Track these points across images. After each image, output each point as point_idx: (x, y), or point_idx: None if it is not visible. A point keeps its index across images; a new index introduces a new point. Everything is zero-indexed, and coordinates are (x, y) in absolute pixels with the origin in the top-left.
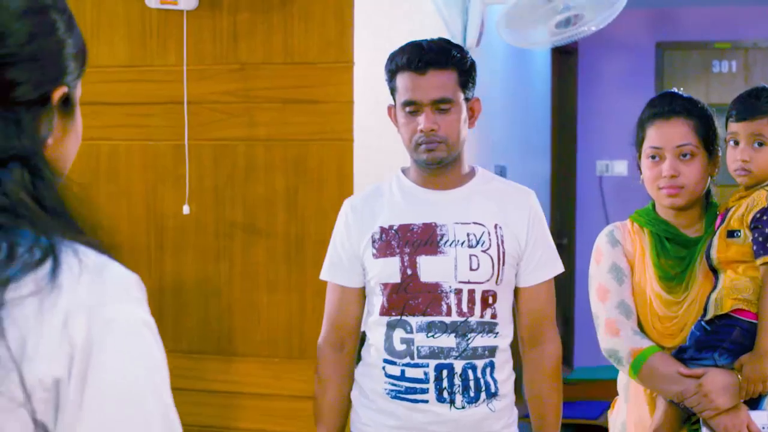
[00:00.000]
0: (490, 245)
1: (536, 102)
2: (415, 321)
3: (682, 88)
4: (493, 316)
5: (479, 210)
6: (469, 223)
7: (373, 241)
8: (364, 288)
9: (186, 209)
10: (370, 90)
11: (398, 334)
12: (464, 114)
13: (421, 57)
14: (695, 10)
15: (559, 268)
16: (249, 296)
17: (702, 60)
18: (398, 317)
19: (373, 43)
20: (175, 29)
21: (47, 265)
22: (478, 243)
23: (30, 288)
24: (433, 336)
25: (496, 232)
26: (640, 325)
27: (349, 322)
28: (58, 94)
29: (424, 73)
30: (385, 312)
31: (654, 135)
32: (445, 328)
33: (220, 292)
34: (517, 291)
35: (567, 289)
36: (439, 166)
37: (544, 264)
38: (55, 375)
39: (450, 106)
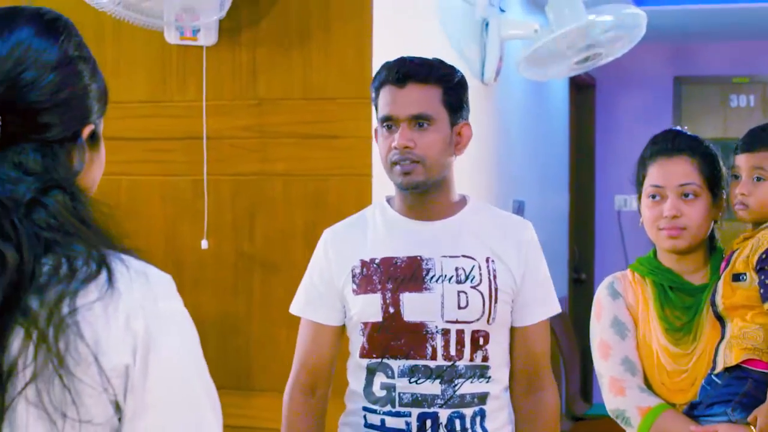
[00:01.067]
0: (480, 280)
1: (554, 136)
2: (396, 365)
3: (686, 127)
4: (485, 359)
5: (469, 242)
6: (458, 257)
7: (354, 276)
8: (342, 326)
9: (204, 244)
10: None
11: (379, 378)
12: (447, 136)
13: (401, 69)
14: (713, 45)
15: (556, 307)
16: (267, 331)
17: (720, 94)
18: (379, 360)
19: None
20: (194, 65)
21: (103, 274)
22: (467, 278)
23: (95, 295)
24: (416, 381)
25: (487, 266)
26: (647, 382)
27: (322, 363)
28: (86, 132)
29: (404, 86)
30: (365, 354)
31: (655, 173)
32: (430, 373)
33: (239, 326)
34: (511, 331)
35: (585, 322)
36: (418, 191)
37: (543, 301)
38: (124, 362)
39: (429, 123)
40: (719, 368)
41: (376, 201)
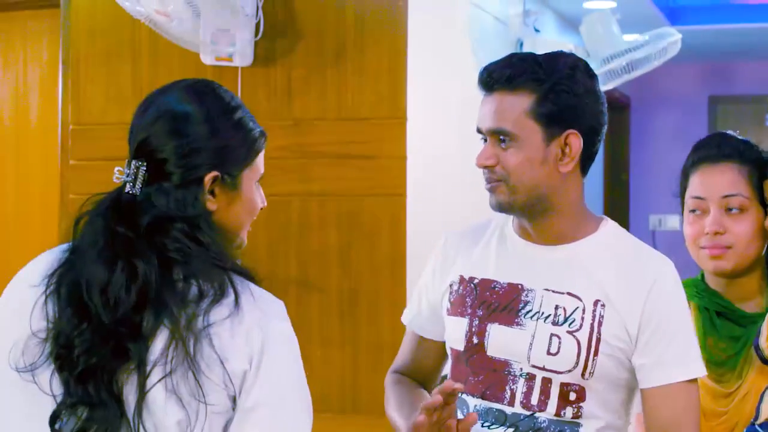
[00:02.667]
0: (581, 326)
1: None
2: (473, 403)
3: (738, 131)
4: (577, 416)
5: (580, 278)
6: (563, 294)
7: (450, 292)
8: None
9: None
10: (424, 145)
11: (457, 415)
12: (538, 153)
13: (489, 71)
14: (748, 64)
15: (693, 370)
16: (302, 351)
17: (755, 114)
18: (458, 395)
19: (426, 99)
20: (229, 85)
21: (231, 296)
22: (565, 321)
23: (226, 313)
24: (488, 426)
25: (594, 311)
26: None
27: (425, 368)
28: (208, 178)
29: (490, 93)
30: None
31: (697, 183)
32: (504, 420)
33: None
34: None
35: None
36: (511, 213)
37: (671, 361)
38: (243, 368)
39: (510, 139)
40: (762, 418)
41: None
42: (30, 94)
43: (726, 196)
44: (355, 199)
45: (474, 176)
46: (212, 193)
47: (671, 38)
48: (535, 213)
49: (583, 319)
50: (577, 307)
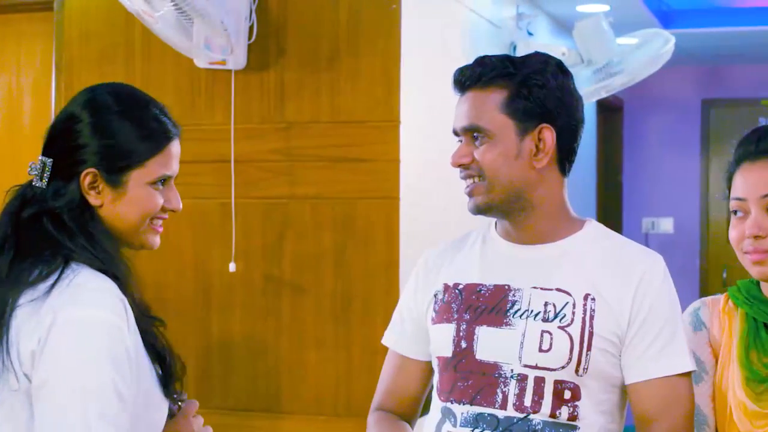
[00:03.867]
0: (572, 321)
1: (582, 159)
2: (460, 411)
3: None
4: (573, 417)
5: (568, 274)
6: (551, 290)
7: (435, 302)
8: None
9: (232, 267)
10: (417, 149)
11: (444, 426)
12: (512, 148)
13: (460, 73)
14: (741, 67)
15: (680, 365)
16: (296, 354)
17: (748, 117)
18: (445, 403)
19: (419, 103)
20: (223, 88)
21: (51, 280)
22: (556, 316)
23: (35, 295)
24: None
25: (585, 305)
26: None
27: (408, 394)
28: (84, 174)
29: (463, 93)
30: (438, 394)
31: (738, 183)
32: (496, 425)
33: (268, 349)
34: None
35: None
36: (492, 215)
37: (658, 355)
38: (32, 348)
39: (484, 136)
40: None
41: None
42: (23, 97)
43: (765, 196)
44: (348, 202)
45: None
46: (96, 188)
47: (665, 45)
48: (514, 212)
49: (574, 313)
50: (567, 302)
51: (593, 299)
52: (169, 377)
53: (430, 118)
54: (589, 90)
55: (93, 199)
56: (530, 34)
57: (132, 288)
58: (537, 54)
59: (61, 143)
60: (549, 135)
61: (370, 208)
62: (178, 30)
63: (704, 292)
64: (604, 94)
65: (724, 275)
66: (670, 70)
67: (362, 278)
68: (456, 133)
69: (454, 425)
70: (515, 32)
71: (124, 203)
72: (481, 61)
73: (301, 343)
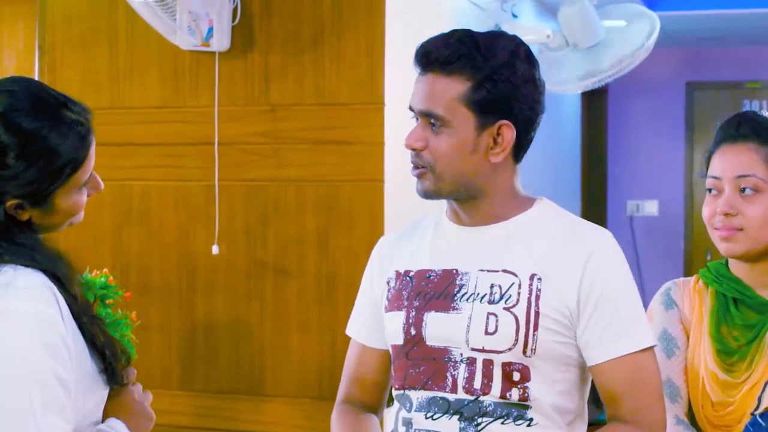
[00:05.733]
0: (517, 302)
1: (566, 142)
2: (415, 396)
3: (766, 111)
4: (524, 398)
5: (514, 254)
6: (497, 271)
7: (388, 290)
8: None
9: (215, 249)
10: (401, 131)
11: (400, 413)
12: (468, 141)
13: (424, 49)
14: (726, 50)
15: (639, 341)
16: (280, 337)
17: (732, 100)
18: (401, 391)
19: (404, 85)
20: (207, 71)
21: None
22: (501, 298)
23: None
24: (431, 417)
25: (530, 285)
26: (691, 413)
27: (369, 385)
28: (8, 206)
29: (424, 72)
30: (394, 382)
31: (716, 162)
32: (447, 408)
33: (251, 332)
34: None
35: None
36: (438, 199)
37: (617, 334)
38: None
39: (442, 125)
40: (762, 407)
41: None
42: None
43: (740, 177)
44: (332, 184)
45: None
46: (23, 208)
47: (651, 35)
48: (464, 198)
49: (519, 294)
50: (513, 283)
51: (539, 279)
52: (110, 371)
53: None
54: (579, 80)
55: (21, 216)
56: (515, 16)
57: (72, 287)
58: (505, 40)
59: None
60: (508, 132)
61: (355, 190)
62: (161, 14)
63: (688, 273)
64: (594, 85)
65: (708, 257)
66: (654, 53)
67: (346, 261)
68: (412, 110)
69: (409, 410)
70: (500, 14)
71: (53, 216)
72: (447, 42)
73: (285, 325)
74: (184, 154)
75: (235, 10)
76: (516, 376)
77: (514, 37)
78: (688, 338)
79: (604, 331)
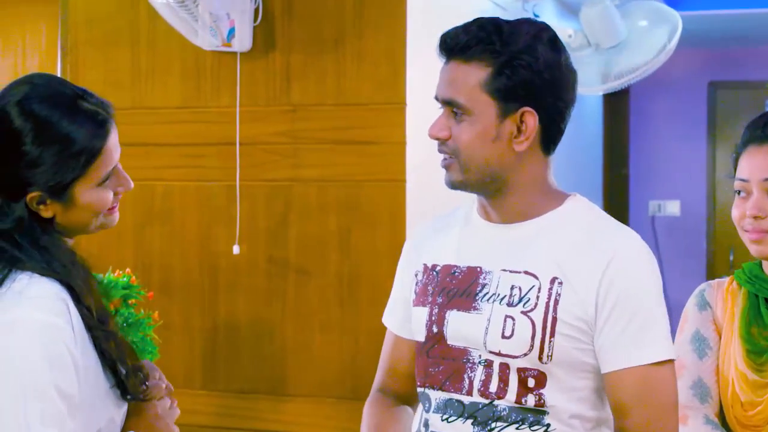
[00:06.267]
0: (535, 306)
1: (588, 142)
2: (434, 396)
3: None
4: (540, 404)
5: (537, 255)
6: (519, 272)
7: (416, 283)
8: None
9: (236, 249)
10: (423, 131)
11: (422, 412)
12: (490, 129)
13: (445, 38)
14: (748, 49)
15: (659, 352)
16: (301, 336)
17: (755, 99)
18: (422, 389)
19: (425, 85)
20: (228, 71)
21: None
22: (520, 301)
23: None
24: (446, 420)
25: (550, 289)
26: (722, 413)
27: (404, 372)
28: (29, 198)
29: (447, 61)
30: (416, 379)
31: (743, 165)
32: (462, 411)
33: (273, 332)
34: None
35: None
36: (466, 191)
37: (630, 343)
38: None
39: (463, 113)
40: None
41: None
42: None
43: (767, 179)
44: (354, 184)
45: None
46: (45, 203)
47: (673, 36)
48: (491, 191)
49: (538, 298)
50: (533, 286)
51: (560, 283)
52: (123, 386)
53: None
54: (601, 81)
55: (44, 212)
56: (536, 16)
57: (87, 298)
58: (529, 24)
59: (4, 163)
60: (531, 119)
61: (376, 190)
62: (183, 15)
63: (711, 273)
64: (617, 87)
65: (731, 257)
66: (676, 53)
67: (367, 261)
68: (437, 100)
69: (428, 411)
70: (521, 14)
71: (76, 211)
72: (467, 29)
73: (306, 325)
74: (206, 154)
75: (256, 11)
76: (531, 382)
77: (540, 23)
78: (720, 339)
79: (618, 338)
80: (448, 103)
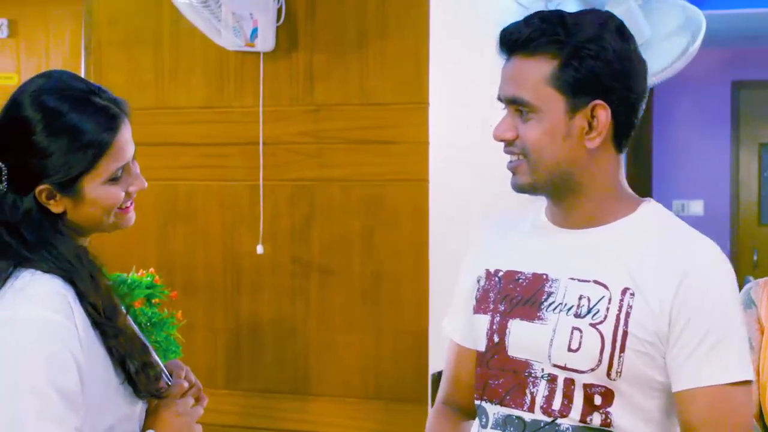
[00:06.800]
0: (605, 318)
1: None
2: (492, 411)
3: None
4: (606, 423)
5: (608, 264)
6: (588, 281)
7: (477, 289)
8: None
9: (260, 249)
10: (446, 130)
11: (478, 428)
12: (560, 126)
13: (509, 34)
14: None
15: (735, 372)
16: (324, 336)
17: None
18: (479, 402)
19: (448, 85)
20: (252, 71)
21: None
22: (588, 312)
23: None
24: None
25: (621, 301)
26: (762, 418)
27: (467, 383)
28: (38, 191)
29: (509, 59)
30: (474, 390)
31: None
32: (523, 429)
33: (296, 331)
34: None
35: None
36: (534, 195)
37: (703, 360)
38: None
39: (529, 111)
40: None
41: None
42: None
43: None
44: (377, 184)
45: (497, 161)
46: (54, 198)
47: (696, 38)
48: (561, 193)
49: (608, 309)
50: (603, 297)
51: (632, 294)
52: (133, 382)
53: (458, 99)
54: None
55: (54, 207)
56: None
57: (92, 295)
58: (593, 13)
59: (15, 153)
60: (603, 113)
61: (399, 190)
62: (206, 15)
63: (734, 274)
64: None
65: (755, 257)
66: (699, 52)
67: (390, 261)
68: (500, 100)
69: (485, 426)
70: None
71: (85, 207)
72: (528, 22)
73: (329, 325)
74: (229, 154)
75: (279, 11)
76: (597, 400)
77: (605, 12)
78: (762, 338)
79: (691, 355)
80: (512, 102)
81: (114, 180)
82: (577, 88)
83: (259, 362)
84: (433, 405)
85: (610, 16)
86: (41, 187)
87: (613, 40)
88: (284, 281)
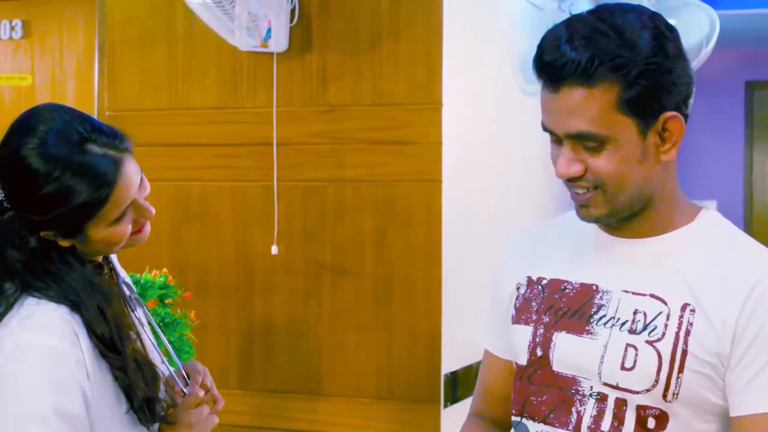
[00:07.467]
0: (663, 335)
1: None
2: (533, 429)
3: None
4: None
5: (667, 277)
6: (644, 295)
7: (517, 297)
8: None
9: (274, 249)
10: (459, 131)
11: None
12: (635, 149)
13: (552, 61)
14: None
15: None
16: (337, 336)
17: None
18: (519, 418)
19: (461, 85)
20: (265, 72)
21: (8, 311)
22: (645, 328)
23: None
24: None
25: (681, 318)
26: None
27: (501, 395)
28: (43, 235)
29: (557, 89)
30: (512, 406)
31: None
32: None
33: (309, 332)
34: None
35: None
36: (611, 221)
37: (766, 384)
38: None
39: (599, 143)
40: None
41: None
42: (66, 81)
43: None
44: (390, 185)
45: (510, 162)
46: (59, 238)
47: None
48: (634, 211)
49: (666, 326)
50: (661, 312)
51: (692, 311)
52: (139, 411)
53: (472, 100)
54: None
55: (61, 242)
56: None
57: (98, 326)
58: (637, 18)
59: (19, 199)
60: (676, 123)
61: (412, 190)
62: (220, 15)
63: None
64: None
65: None
66: (713, 52)
67: (404, 261)
68: (549, 131)
69: None
70: (558, 14)
71: (93, 244)
72: (577, 47)
73: (342, 325)
74: (242, 155)
75: (292, 11)
76: (651, 423)
77: (644, 10)
78: None
79: (754, 378)
80: (578, 138)
81: (119, 219)
82: (648, 107)
83: (271, 362)
84: (445, 406)
85: (653, 14)
86: (46, 233)
87: (669, 43)
88: (297, 282)
